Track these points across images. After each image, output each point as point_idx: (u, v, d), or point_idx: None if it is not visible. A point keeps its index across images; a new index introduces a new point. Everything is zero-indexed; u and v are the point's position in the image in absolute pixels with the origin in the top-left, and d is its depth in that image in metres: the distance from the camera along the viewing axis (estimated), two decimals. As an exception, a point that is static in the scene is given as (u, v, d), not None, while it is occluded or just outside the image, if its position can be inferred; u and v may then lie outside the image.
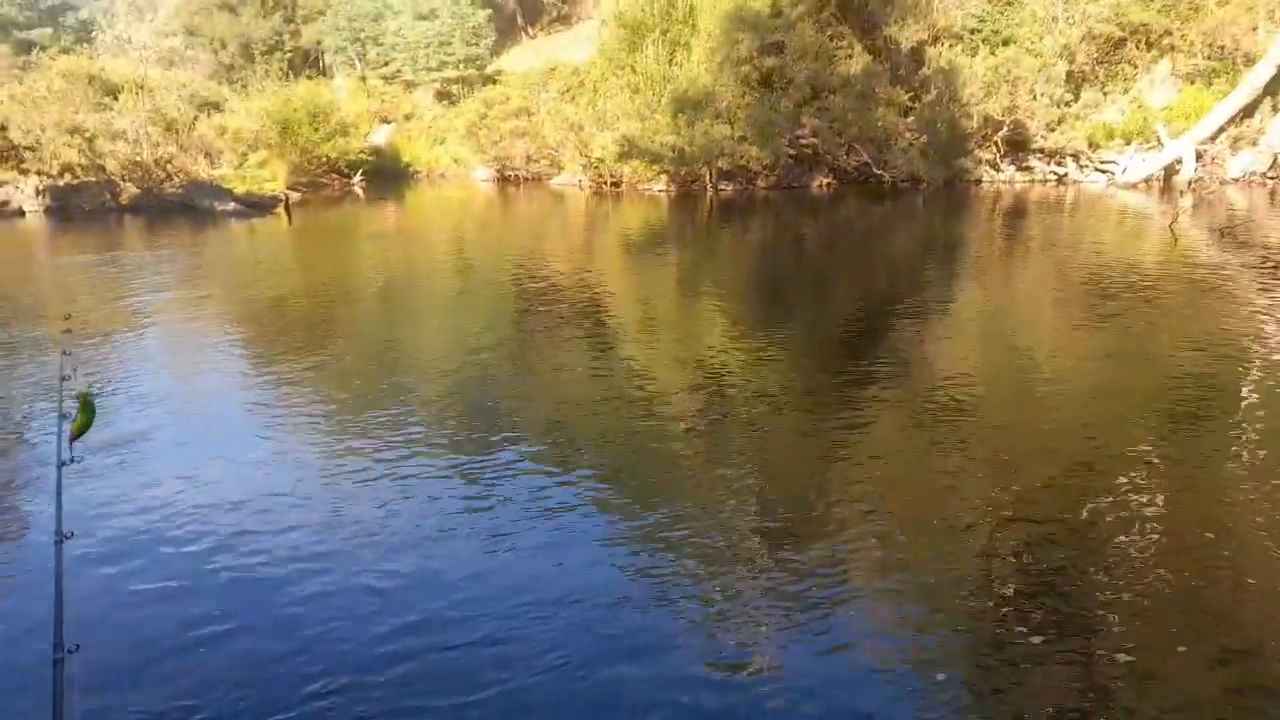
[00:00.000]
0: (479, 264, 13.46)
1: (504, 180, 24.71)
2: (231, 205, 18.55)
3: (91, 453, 4.33)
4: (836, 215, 17.60)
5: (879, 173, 19.40)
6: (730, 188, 19.88)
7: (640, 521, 4.38)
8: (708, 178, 19.82)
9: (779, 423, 5.79)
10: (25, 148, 19.11)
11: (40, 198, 18.82)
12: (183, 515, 4.46)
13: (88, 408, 3.98)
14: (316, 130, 22.39)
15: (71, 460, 3.76)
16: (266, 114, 22.10)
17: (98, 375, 6.80)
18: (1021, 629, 3.41)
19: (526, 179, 24.31)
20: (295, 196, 20.25)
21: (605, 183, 21.57)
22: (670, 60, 21.08)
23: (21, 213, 18.48)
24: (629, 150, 20.23)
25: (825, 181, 20.02)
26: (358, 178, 23.40)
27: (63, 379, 4.81)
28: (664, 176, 20.40)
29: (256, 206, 18.76)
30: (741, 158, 19.33)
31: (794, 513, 4.45)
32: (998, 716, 2.99)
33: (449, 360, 7.44)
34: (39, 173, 19.03)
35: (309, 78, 30.96)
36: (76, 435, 3.94)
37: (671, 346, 8.04)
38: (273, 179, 20.61)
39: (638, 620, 3.50)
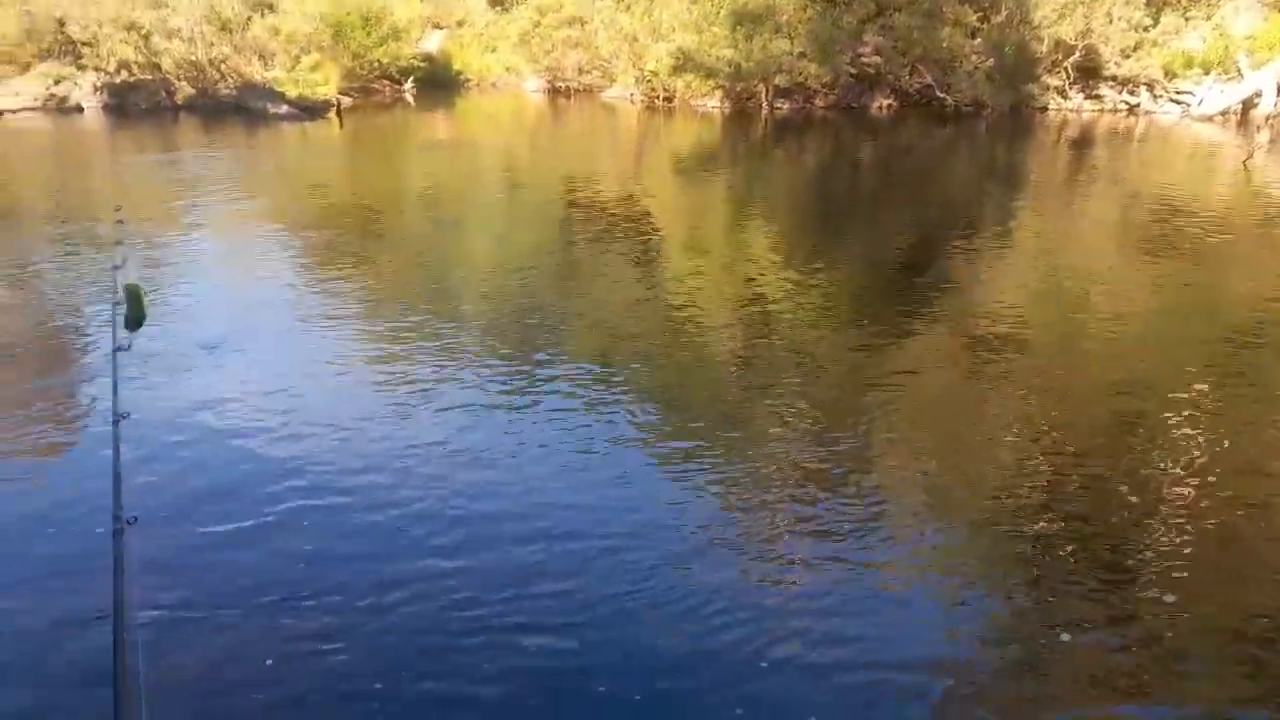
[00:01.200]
0: (529, 178, 13.37)
1: (555, 91, 24.32)
2: (284, 108, 18.54)
3: (145, 341, 4.45)
4: (896, 138, 17.12)
5: (942, 96, 18.73)
6: (786, 106, 19.37)
7: (685, 439, 4.42)
8: (764, 95, 19.31)
9: (825, 348, 5.76)
10: (83, 43, 19.19)
11: (98, 94, 18.98)
12: (233, 404, 4.60)
13: (135, 299, 4.07)
14: (369, 34, 22.09)
15: (128, 347, 3.86)
16: (319, 16, 21.83)
17: (151, 270, 6.94)
18: (1059, 566, 3.41)
19: (578, 90, 23.90)
20: (347, 102, 20.14)
21: (658, 97, 21.11)
22: (731, -31, 20.35)
23: (80, 109, 18.68)
24: (684, 64, 19.72)
25: (886, 103, 19.41)
26: (409, 84, 23.14)
27: (114, 268, 4.92)
28: (718, 93, 19.89)
29: (308, 110, 18.72)
30: (800, 75, 18.75)
31: (837, 439, 4.44)
32: (1029, 645, 3.01)
33: (498, 275, 7.47)
34: (96, 69, 19.15)
35: (362, -21, 30.36)
36: (133, 326, 4.03)
37: (720, 268, 7.98)
38: (325, 83, 20.44)
39: (682, 536, 3.55)
